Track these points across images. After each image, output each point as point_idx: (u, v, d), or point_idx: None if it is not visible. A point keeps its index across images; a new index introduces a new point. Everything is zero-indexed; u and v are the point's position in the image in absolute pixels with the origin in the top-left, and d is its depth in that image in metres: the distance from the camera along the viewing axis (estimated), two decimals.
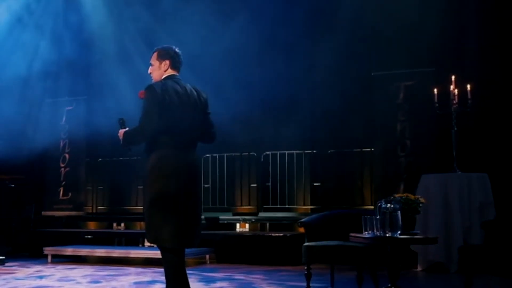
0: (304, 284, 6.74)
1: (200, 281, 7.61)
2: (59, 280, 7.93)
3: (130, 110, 10.59)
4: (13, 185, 9.98)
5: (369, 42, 10.38)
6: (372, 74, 10.27)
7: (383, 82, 10.19)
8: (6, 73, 12.19)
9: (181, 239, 5.17)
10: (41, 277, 8.21)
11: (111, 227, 12.14)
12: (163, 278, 5.36)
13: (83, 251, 10.38)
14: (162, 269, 5.27)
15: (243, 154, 11.37)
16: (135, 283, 7.58)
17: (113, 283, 7.56)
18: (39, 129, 12.40)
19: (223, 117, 8.95)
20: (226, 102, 9.66)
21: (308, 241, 6.81)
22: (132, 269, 9.00)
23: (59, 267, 9.50)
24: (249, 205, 11.29)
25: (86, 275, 8.36)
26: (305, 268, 6.69)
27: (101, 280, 7.84)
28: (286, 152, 11.06)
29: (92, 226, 12.77)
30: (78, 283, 7.62)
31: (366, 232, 5.38)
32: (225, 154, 11.24)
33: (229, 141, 10.66)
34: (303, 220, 7.25)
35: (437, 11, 9.92)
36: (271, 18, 10.68)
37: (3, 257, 9.59)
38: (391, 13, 10.06)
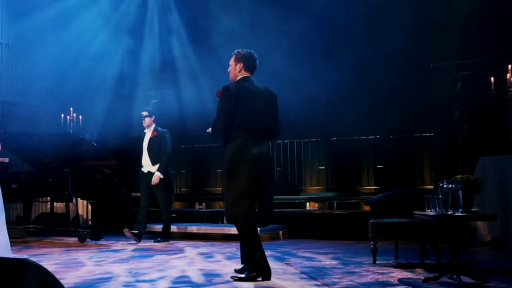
0: (370, 257, 6.72)
1: (275, 253, 7.62)
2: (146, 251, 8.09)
3: (208, 102, 10.81)
4: (106, 170, 10.14)
5: (428, 34, 10.17)
6: (431, 65, 10.10)
7: (441, 72, 10.02)
8: (100, 72, 12.50)
9: (255, 218, 5.49)
10: (135, 250, 8.39)
11: (194, 206, 12.30)
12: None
13: (173, 227, 10.51)
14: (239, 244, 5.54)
15: (312, 139, 11.33)
16: (219, 255, 7.65)
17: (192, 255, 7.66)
18: (129, 121, 12.62)
19: (294, 107, 8.98)
20: (297, 94, 9.63)
21: (374, 218, 6.78)
22: (213, 244, 9.11)
23: (150, 241, 9.68)
24: (318, 186, 11.25)
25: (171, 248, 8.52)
26: (371, 243, 6.68)
27: (185, 250, 7.99)
28: (352, 137, 10.97)
29: (176, 205, 12.92)
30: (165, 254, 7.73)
31: (429, 210, 5.33)
32: (295, 140, 11.21)
33: (299, 128, 10.66)
34: (369, 199, 7.23)
35: (493, 2, 9.66)
36: (333, 14, 10.55)
37: (100, 234, 9.77)
38: (448, 6, 9.85)
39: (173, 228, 10.44)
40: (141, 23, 12.94)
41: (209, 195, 12.28)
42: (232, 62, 5.69)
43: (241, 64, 5.63)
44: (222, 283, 5.50)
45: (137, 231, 9.44)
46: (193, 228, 10.28)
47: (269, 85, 5.82)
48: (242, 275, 5.50)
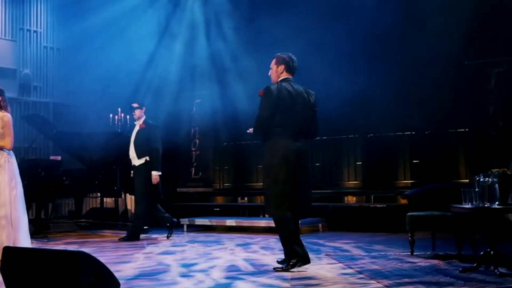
0: (408, 249, 6.71)
1: (315, 246, 7.64)
2: (193, 243, 8.17)
3: (248, 102, 10.86)
4: None
5: (463, 32, 10.04)
6: (466, 63, 9.99)
7: (475, 69, 9.88)
8: (146, 74, 12.67)
9: (292, 211, 5.58)
10: (183, 243, 8.49)
11: (236, 200, 12.38)
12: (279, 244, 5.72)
13: (213, 221, 10.65)
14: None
15: (349, 136, 11.30)
16: (262, 247, 7.70)
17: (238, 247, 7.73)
18: (174, 120, 12.76)
19: (332, 105, 8.96)
20: (334, 93, 9.60)
21: (411, 211, 6.76)
22: (255, 236, 9.17)
23: (195, 234, 9.79)
24: (355, 181, 11.22)
25: (217, 240, 8.59)
26: (409, 235, 6.67)
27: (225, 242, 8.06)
28: (388, 134, 10.90)
29: (219, 200, 13.04)
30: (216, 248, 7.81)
31: (465, 203, 5.30)
32: (333, 137, 11.17)
33: (337, 126, 10.64)
34: (406, 192, 7.22)
35: None
36: (371, 14, 10.47)
37: (147, 227, 9.86)
38: (482, 4, 9.73)
39: (216, 221, 10.54)
40: (186, 26, 13.05)
41: (251, 189, 12.32)
42: (273, 65, 5.85)
43: (283, 66, 5.78)
44: (271, 271, 5.61)
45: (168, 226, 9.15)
46: (232, 221, 10.33)
47: (307, 85, 5.94)
48: (283, 265, 5.59)
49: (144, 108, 8.95)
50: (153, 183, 8.72)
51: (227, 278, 5.29)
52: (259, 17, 11.35)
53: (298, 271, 5.50)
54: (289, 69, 5.78)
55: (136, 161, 8.81)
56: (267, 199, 5.73)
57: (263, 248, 7.67)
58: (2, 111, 6.74)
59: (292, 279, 5.12)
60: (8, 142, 6.58)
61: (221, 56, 12.47)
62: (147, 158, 8.77)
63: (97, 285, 4.01)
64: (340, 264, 5.97)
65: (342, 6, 10.65)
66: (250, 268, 5.87)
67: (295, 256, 5.50)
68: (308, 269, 5.57)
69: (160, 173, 8.81)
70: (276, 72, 5.80)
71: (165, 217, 9.18)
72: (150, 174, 8.73)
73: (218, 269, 5.83)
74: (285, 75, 5.77)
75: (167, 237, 9.08)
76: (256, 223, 10.02)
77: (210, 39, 12.66)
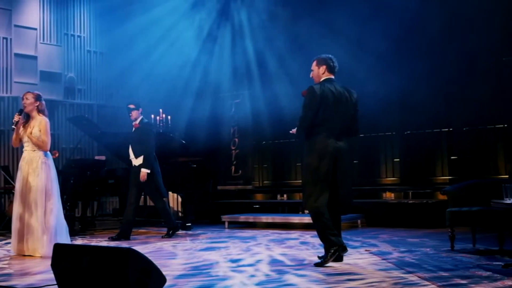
0: (448, 244, 6.61)
1: (355, 242, 7.58)
2: (236, 240, 8.18)
3: (287, 102, 10.85)
4: (194, 166, 10.30)
5: (500, 29, 9.87)
6: (504, 59, 9.81)
7: None
8: (186, 75, 12.76)
9: (333, 208, 5.67)
10: (225, 238, 8.51)
11: (275, 198, 12.38)
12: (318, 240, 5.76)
13: (253, 218, 10.64)
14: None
15: (387, 133, 11.19)
16: (301, 243, 7.67)
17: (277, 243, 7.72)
18: (213, 119, 12.81)
19: (370, 103, 8.88)
20: (372, 91, 9.54)
21: (451, 207, 6.66)
22: (294, 232, 9.15)
23: (235, 231, 9.81)
24: (393, 177, 11.11)
25: (258, 235, 8.59)
26: (449, 230, 6.57)
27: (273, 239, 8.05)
28: (425, 131, 10.76)
29: (259, 197, 13.05)
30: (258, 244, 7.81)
31: (506, 198, 5.19)
32: (371, 134, 11.05)
33: (375, 123, 10.55)
34: (446, 188, 7.12)
35: None
36: (410, 12, 10.36)
37: (190, 224, 9.92)
38: None
39: (256, 217, 10.54)
40: (225, 28, 13.10)
41: (290, 187, 12.30)
42: (314, 66, 5.90)
43: (324, 67, 5.82)
44: (311, 264, 5.64)
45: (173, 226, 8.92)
46: (271, 218, 10.31)
47: (346, 83, 5.93)
48: (323, 257, 5.64)
49: (140, 109, 8.75)
50: (140, 179, 8.46)
51: (275, 272, 5.29)
52: (298, 19, 11.31)
53: (340, 266, 5.48)
54: (330, 69, 5.82)
55: (135, 161, 8.65)
56: (304, 194, 5.80)
57: (302, 243, 7.66)
58: (40, 115, 6.95)
59: (335, 274, 5.09)
60: (45, 144, 6.86)
61: (259, 57, 12.48)
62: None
63: (145, 281, 4.02)
64: (380, 259, 5.91)
65: (380, 6, 10.55)
66: (294, 263, 5.87)
67: (332, 246, 5.54)
68: (350, 265, 5.55)
69: (148, 171, 8.50)
70: (318, 73, 5.85)
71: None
72: (153, 170, 8.60)
73: (264, 264, 5.84)
74: (327, 75, 5.82)
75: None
76: (295, 220, 9.99)
77: (249, 41, 12.68)
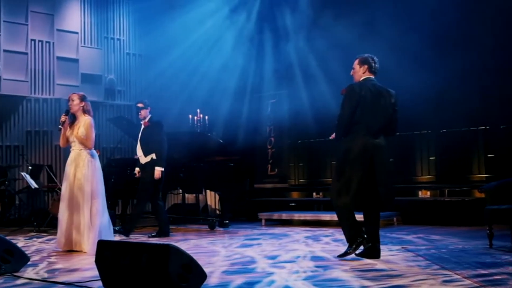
0: (486, 242, 6.49)
1: (391, 240, 7.50)
2: (274, 237, 8.16)
3: (322, 102, 10.78)
4: (232, 164, 10.32)
5: None
6: None
7: None
8: (223, 76, 12.80)
9: (371, 205, 5.70)
10: (265, 234, 8.49)
11: (311, 196, 12.33)
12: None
13: (290, 215, 10.63)
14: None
15: (422, 132, 11.03)
16: (336, 240, 7.62)
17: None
18: (250, 119, 12.82)
19: (406, 102, 8.76)
20: (408, 90, 9.40)
21: (488, 205, 6.53)
22: (329, 229, 9.09)
23: (272, 228, 9.79)
24: (429, 175, 10.94)
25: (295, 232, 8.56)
26: (487, 228, 6.45)
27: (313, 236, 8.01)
28: (461, 129, 10.57)
29: (295, 195, 13.01)
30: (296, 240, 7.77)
31: None
32: (407, 133, 10.88)
33: (410, 122, 10.37)
34: (484, 186, 7.00)
35: None
36: (441, 14, 10.21)
37: (227, 222, 9.93)
38: None
39: (293, 215, 10.52)
40: (261, 29, 13.10)
41: (325, 185, 12.22)
42: (355, 65, 5.90)
43: (365, 67, 5.82)
44: (350, 260, 5.64)
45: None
46: (307, 216, 10.31)
47: (382, 81, 5.90)
48: (348, 249, 5.75)
49: (149, 108, 8.70)
50: (155, 177, 8.41)
51: (316, 267, 5.28)
52: (337, 19, 11.22)
53: (377, 263, 5.43)
54: (371, 69, 5.83)
55: (143, 159, 8.56)
56: (332, 189, 5.85)
57: (337, 240, 7.62)
58: (86, 115, 7.07)
59: (373, 270, 5.04)
60: (89, 142, 6.98)
61: (295, 58, 12.44)
62: (153, 155, 8.52)
63: (186, 276, 4.03)
64: (418, 257, 5.82)
65: (415, 5, 10.42)
66: (332, 259, 5.87)
67: (356, 237, 5.68)
68: (388, 262, 5.48)
69: (162, 169, 8.48)
70: (359, 72, 5.85)
71: (162, 219, 8.75)
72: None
73: (303, 260, 5.83)
74: (367, 75, 5.82)
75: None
76: (330, 217, 9.92)
77: (285, 42, 12.65)
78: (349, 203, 5.61)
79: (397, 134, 5.92)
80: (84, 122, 6.99)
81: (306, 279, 4.66)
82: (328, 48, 11.23)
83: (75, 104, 7.05)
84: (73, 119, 7.09)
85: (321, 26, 11.67)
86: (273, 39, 12.85)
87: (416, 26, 10.08)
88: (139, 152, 8.63)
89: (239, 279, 4.68)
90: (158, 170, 8.42)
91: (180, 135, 10.33)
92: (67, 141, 7.09)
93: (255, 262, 5.69)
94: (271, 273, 4.96)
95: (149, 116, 8.70)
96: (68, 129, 7.04)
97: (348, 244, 5.76)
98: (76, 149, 6.99)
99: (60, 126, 7.02)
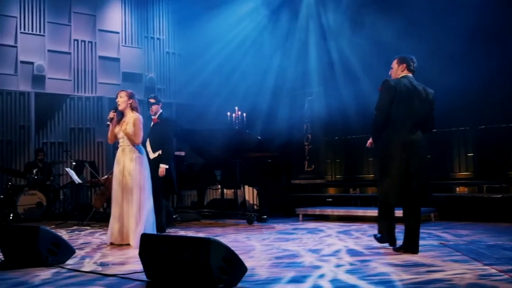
0: None
1: (429, 235, 7.43)
2: (311, 232, 8.16)
3: (359, 99, 10.72)
4: (269, 161, 10.34)
5: None
6: None
7: None
8: (260, 74, 12.82)
9: (408, 200, 5.70)
10: (304, 229, 8.50)
11: (348, 191, 12.29)
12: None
13: (327, 211, 10.61)
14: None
15: (460, 128, 10.87)
16: (368, 235, 7.58)
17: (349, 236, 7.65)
18: (288, 117, 12.81)
19: (442, 99, 8.65)
20: (446, 87, 9.28)
21: None
22: (365, 224, 9.04)
23: (309, 223, 9.79)
24: (466, 172, 10.78)
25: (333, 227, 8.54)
26: None
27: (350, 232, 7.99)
28: (500, 125, 10.38)
29: (332, 191, 12.97)
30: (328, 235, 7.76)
31: None
32: (444, 129, 10.74)
33: (447, 118, 10.24)
34: None
35: None
36: (481, 11, 10.03)
37: (265, 216, 9.96)
38: None
39: (330, 210, 10.49)
40: (300, 28, 13.08)
41: (362, 181, 12.17)
42: (394, 64, 5.95)
43: (404, 65, 5.86)
44: (388, 254, 5.66)
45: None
46: (344, 211, 10.30)
47: (418, 78, 5.90)
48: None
49: (161, 104, 8.66)
50: (159, 175, 8.23)
51: (359, 261, 5.29)
52: (375, 17, 11.13)
53: (416, 257, 5.40)
54: (409, 67, 5.86)
55: (151, 155, 8.37)
56: (378, 186, 5.89)
57: (363, 234, 7.67)
58: (134, 112, 7.17)
59: (410, 264, 5.01)
60: (138, 138, 7.09)
61: (332, 55, 12.38)
62: (160, 152, 8.42)
63: (227, 269, 4.08)
64: (456, 252, 5.77)
65: (452, 3, 10.27)
66: (366, 251, 5.93)
67: (380, 232, 5.95)
68: (427, 258, 5.44)
69: (167, 166, 8.33)
70: (397, 71, 5.90)
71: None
72: (168, 168, 8.40)
73: (343, 252, 5.90)
74: (406, 73, 5.85)
75: None
76: (367, 213, 9.87)
77: (322, 40, 12.61)
78: (386, 196, 5.70)
79: (434, 130, 5.89)
80: (133, 119, 7.09)
81: (348, 272, 4.70)
82: (369, 46, 11.14)
83: (123, 101, 7.16)
84: (121, 116, 7.19)
85: (362, 24, 11.59)
86: (313, 38, 12.81)
87: (458, 20, 9.90)
88: (148, 148, 8.43)
89: (290, 273, 4.70)
90: (162, 168, 8.31)
91: (219, 132, 10.38)
92: (115, 137, 7.19)
93: (298, 257, 5.70)
94: (317, 267, 4.99)
95: (160, 112, 8.65)
96: (116, 125, 7.15)
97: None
98: (124, 145, 7.10)
99: (108, 123, 7.14)
